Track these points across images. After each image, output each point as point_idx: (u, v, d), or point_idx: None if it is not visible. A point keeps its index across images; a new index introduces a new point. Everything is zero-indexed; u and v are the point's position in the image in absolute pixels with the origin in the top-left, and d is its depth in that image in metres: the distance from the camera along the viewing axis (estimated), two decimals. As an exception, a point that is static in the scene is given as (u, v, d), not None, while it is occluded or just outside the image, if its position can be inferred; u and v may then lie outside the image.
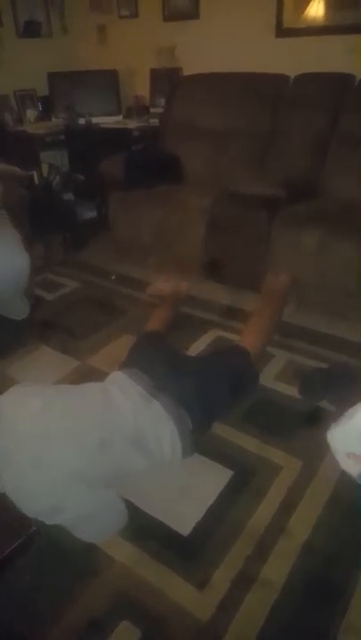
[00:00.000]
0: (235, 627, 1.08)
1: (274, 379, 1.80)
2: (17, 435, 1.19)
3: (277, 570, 1.18)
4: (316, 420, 1.61)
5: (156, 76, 3.33)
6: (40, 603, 1.15)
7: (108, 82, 3.41)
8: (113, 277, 2.63)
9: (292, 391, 1.73)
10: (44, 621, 1.11)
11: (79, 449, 1.22)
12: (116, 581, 1.18)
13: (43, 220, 2.68)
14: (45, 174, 3.31)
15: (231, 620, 1.09)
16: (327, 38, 2.62)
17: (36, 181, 3.18)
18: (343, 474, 1.41)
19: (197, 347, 2.01)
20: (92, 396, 1.34)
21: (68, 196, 3.22)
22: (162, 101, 3.20)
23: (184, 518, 1.31)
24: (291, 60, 2.69)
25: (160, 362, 1.51)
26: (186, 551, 1.24)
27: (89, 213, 3.16)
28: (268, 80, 2.70)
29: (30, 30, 3.47)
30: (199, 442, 1.43)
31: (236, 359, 1.56)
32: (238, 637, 1.07)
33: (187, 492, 1.38)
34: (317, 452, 1.48)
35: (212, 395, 1.44)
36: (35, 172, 3.18)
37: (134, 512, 1.30)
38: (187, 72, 3.17)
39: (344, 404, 1.63)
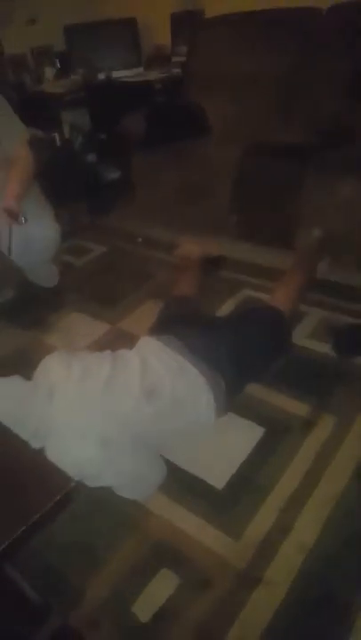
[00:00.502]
0: (271, 572, 1.12)
1: (306, 337, 1.76)
2: (59, 403, 1.21)
3: (311, 522, 1.21)
4: (351, 377, 1.58)
5: (176, 20, 3.14)
6: (80, 554, 1.21)
7: (126, 32, 3.25)
8: (139, 240, 2.61)
9: (325, 348, 1.70)
10: (84, 571, 1.18)
11: (121, 416, 1.22)
12: (153, 532, 1.23)
13: (66, 184, 2.64)
14: (67, 136, 3.24)
15: (267, 566, 1.14)
16: None
17: (58, 143, 3.12)
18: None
19: (228, 307, 1.99)
20: (131, 365, 1.33)
21: (92, 158, 3.15)
22: (184, 49, 3.03)
23: (218, 472, 1.34)
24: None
25: (191, 326, 1.50)
26: (220, 504, 1.28)
27: (113, 174, 3.10)
28: (297, 14, 2.48)
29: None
30: (232, 401, 1.44)
31: (268, 318, 1.53)
32: (274, 582, 1.11)
33: (220, 448, 1.41)
34: (351, 409, 1.47)
35: (245, 356, 1.43)
36: (56, 134, 3.11)
37: (169, 466, 1.33)
38: (209, 14, 2.97)
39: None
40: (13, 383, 1.25)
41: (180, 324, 1.51)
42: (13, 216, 1.77)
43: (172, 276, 2.02)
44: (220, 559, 1.17)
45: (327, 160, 2.10)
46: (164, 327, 1.52)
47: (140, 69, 3.23)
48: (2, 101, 1.88)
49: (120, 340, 1.79)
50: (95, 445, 1.17)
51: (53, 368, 1.30)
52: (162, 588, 1.13)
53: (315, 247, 1.90)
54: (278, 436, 1.43)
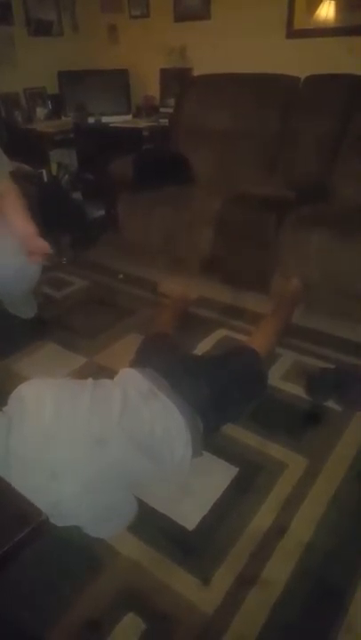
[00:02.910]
0: (239, 621, 1.10)
1: (280, 378, 1.81)
2: (31, 437, 1.17)
3: (280, 568, 1.20)
4: (323, 420, 1.62)
5: (166, 76, 3.34)
6: (45, 595, 1.16)
7: (118, 81, 3.42)
8: (120, 277, 2.65)
9: (298, 391, 1.75)
10: (48, 614, 1.12)
11: (94, 456, 1.19)
12: (121, 574, 1.20)
13: (51, 219, 2.69)
14: (54, 173, 3.33)
15: (235, 614, 1.11)
16: (338, 39, 2.62)
17: (45, 180, 3.20)
18: (348, 471, 1.42)
19: (204, 346, 2.03)
20: (111, 399, 1.31)
21: (77, 195, 3.24)
22: (172, 101, 3.22)
23: (189, 513, 1.33)
24: (301, 61, 2.69)
25: (174, 363, 1.50)
26: (191, 546, 1.26)
27: (97, 212, 3.19)
28: (279, 81, 2.70)
29: (41, 29, 3.49)
30: (207, 441, 1.44)
31: (247, 361, 1.56)
32: (242, 631, 1.08)
33: (192, 488, 1.40)
34: (323, 451, 1.50)
35: (225, 399, 1.44)
36: (44, 171, 3.20)
37: (140, 506, 1.31)
38: (197, 72, 3.19)
39: (351, 405, 1.65)
40: None
41: (164, 361, 1.51)
42: (45, 254, 1.86)
43: (152, 313, 2.05)
44: (188, 604, 1.13)
45: (302, 214, 2.23)
46: (147, 362, 1.52)
47: (129, 117, 3.39)
48: None
49: (96, 374, 1.78)
50: (70, 484, 1.14)
51: (28, 398, 1.26)
52: (126, 634, 1.08)
53: (293, 296, 1.98)
54: (251, 477, 1.43)
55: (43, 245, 1.86)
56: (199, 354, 1.95)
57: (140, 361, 1.58)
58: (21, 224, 1.85)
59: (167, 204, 2.59)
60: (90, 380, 1.37)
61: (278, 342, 1.83)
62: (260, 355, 1.60)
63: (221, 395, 1.44)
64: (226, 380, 1.48)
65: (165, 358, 1.54)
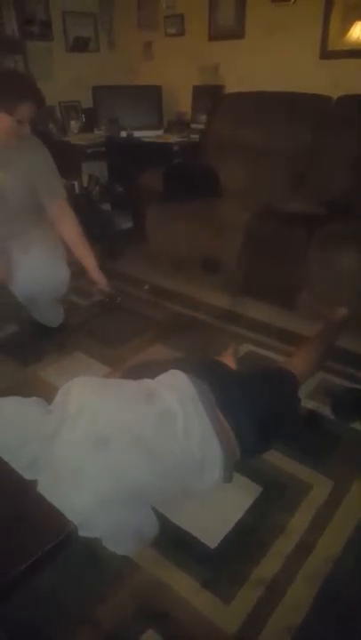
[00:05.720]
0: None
1: (306, 397, 1.78)
2: (65, 439, 1.17)
3: (305, 588, 1.17)
4: (348, 441, 1.59)
5: (198, 92, 3.40)
6: (66, 606, 1.15)
7: (151, 97, 3.49)
8: (146, 287, 2.67)
9: (324, 410, 1.72)
10: (64, 631, 1.11)
11: (117, 469, 1.17)
12: (141, 589, 1.18)
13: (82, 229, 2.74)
14: (85, 184, 3.40)
15: (258, 634, 1.09)
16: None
17: (77, 191, 3.27)
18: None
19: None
20: (152, 409, 1.28)
21: (106, 207, 3.30)
22: (203, 118, 3.27)
23: (212, 531, 1.31)
24: (334, 82, 2.70)
25: (230, 386, 1.44)
26: (212, 563, 1.24)
27: (126, 224, 3.23)
28: (311, 100, 2.72)
29: (78, 45, 3.61)
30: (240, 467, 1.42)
31: (290, 390, 1.53)
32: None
33: (216, 505, 1.38)
34: (349, 473, 1.47)
35: (270, 429, 1.42)
36: (76, 182, 3.27)
37: (162, 522, 1.30)
38: (229, 90, 3.24)
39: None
40: (28, 404, 1.24)
41: (221, 380, 1.45)
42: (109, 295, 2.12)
43: (174, 323, 2.01)
44: (209, 623, 1.11)
45: (331, 231, 2.22)
46: (202, 373, 1.44)
47: (161, 132, 3.44)
48: (48, 159, 2.00)
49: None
50: (87, 496, 1.12)
51: (74, 398, 1.24)
52: (146, 652, 1.07)
53: (339, 324, 1.94)
54: (275, 497, 1.41)
55: (102, 281, 2.04)
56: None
57: (195, 370, 1.46)
58: (86, 258, 2.03)
59: (195, 217, 2.61)
60: (138, 386, 1.35)
61: (320, 367, 1.79)
62: (300, 383, 1.57)
63: (268, 426, 1.42)
64: (273, 410, 1.44)
65: (223, 378, 1.49)
